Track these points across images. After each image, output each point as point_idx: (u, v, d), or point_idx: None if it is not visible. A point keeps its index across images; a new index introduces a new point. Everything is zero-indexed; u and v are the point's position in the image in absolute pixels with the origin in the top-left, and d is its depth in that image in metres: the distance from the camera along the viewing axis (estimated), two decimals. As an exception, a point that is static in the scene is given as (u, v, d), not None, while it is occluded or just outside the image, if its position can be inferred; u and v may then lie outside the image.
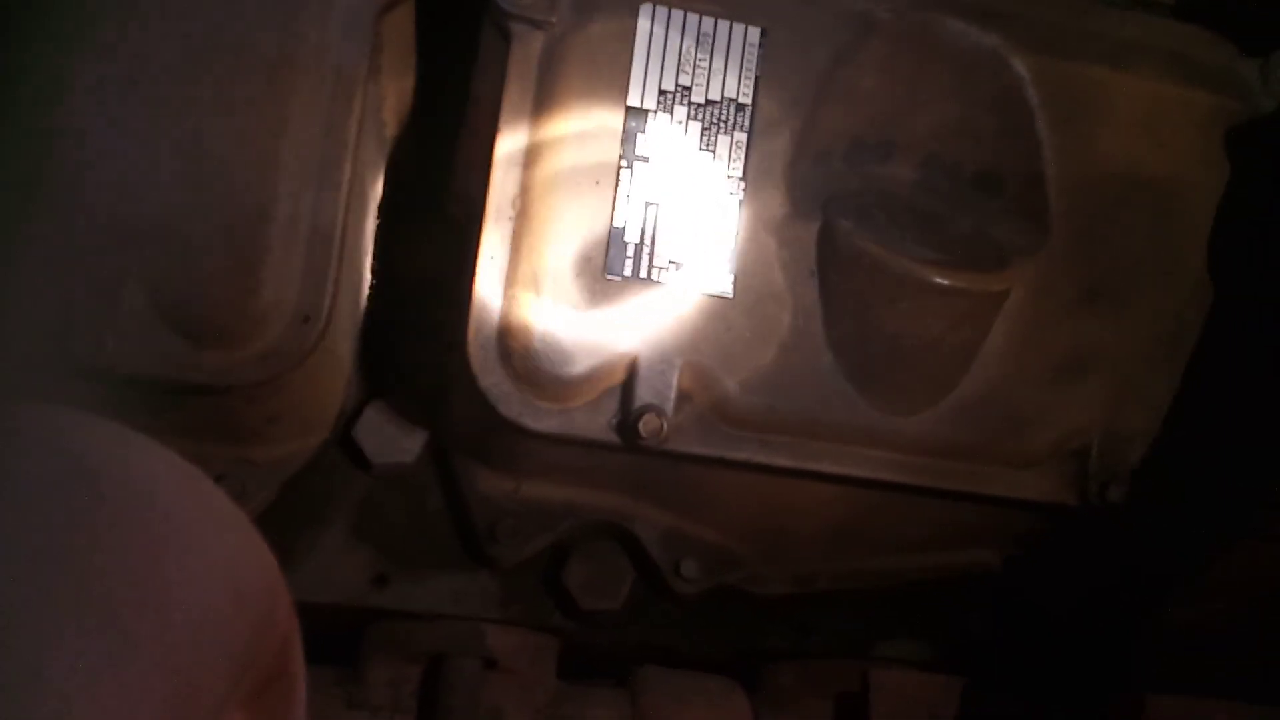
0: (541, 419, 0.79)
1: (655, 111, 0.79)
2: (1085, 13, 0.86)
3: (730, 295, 0.81)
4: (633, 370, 0.79)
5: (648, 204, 0.79)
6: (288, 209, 0.73)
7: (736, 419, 0.81)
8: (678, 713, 0.93)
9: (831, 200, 0.82)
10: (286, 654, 0.54)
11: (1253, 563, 0.88)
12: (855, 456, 0.84)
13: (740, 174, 0.81)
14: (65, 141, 0.70)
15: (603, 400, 0.80)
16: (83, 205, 0.71)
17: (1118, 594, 0.97)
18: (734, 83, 0.80)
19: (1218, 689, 0.91)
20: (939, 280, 0.80)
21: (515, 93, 0.77)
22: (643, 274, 0.79)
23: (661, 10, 0.79)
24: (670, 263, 0.80)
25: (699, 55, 0.80)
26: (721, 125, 0.80)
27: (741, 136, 0.81)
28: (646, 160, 0.79)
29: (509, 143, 0.77)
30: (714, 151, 0.80)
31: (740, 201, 0.81)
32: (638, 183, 0.79)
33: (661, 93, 0.80)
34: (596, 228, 0.79)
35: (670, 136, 0.80)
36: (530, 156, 0.77)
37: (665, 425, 0.79)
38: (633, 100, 0.79)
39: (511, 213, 0.77)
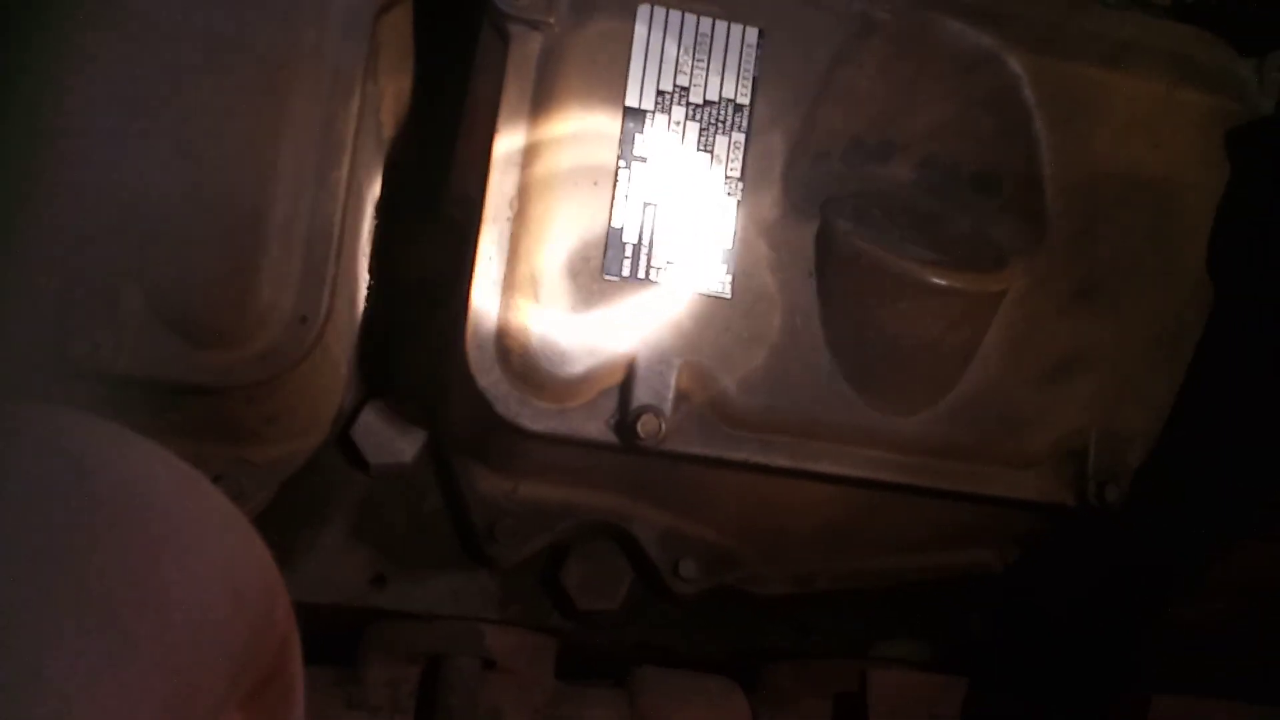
0: (540, 419, 0.79)
1: (653, 112, 0.79)
2: (1083, 13, 0.86)
3: (728, 296, 0.81)
4: (631, 370, 0.79)
5: (646, 204, 0.79)
6: (285, 209, 0.73)
7: (735, 419, 0.81)
8: (676, 713, 0.93)
9: (830, 201, 0.82)
10: (285, 654, 0.54)
11: (1253, 563, 0.88)
12: (854, 456, 0.84)
13: (738, 174, 0.81)
14: (63, 142, 0.71)
15: (601, 400, 0.80)
16: (80, 206, 0.71)
17: (1118, 594, 0.97)
18: (732, 83, 0.80)
19: (1218, 689, 0.91)
20: (937, 280, 0.80)
21: (513, 93, 0.77)
22: (641, 274, 0.79)
23: (660, 11, 0.79)
24: (668, 263, 0.80)
25: (697, 56, 0.80)
26: (720, 126, 0.81)
27: (740, 137, 0.81)
28: (644, 161, 0.79)
29: (507, 143, 0.77)
30: (712, 152, 0.80)
31: (738, 202, 0.81)
32: (636, 183, 0.79)
33: (659, 93, 0.80)
34: (594, 228, 0.79)
35: (668, 137, 0.80)
36: (528, 157, 0.77)
37: (663, 425, 0.79)
38: (631, 101, 0.79)
39: (509, 213, 0.77)
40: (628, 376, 0.79)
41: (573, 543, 0.93)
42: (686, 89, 0.80)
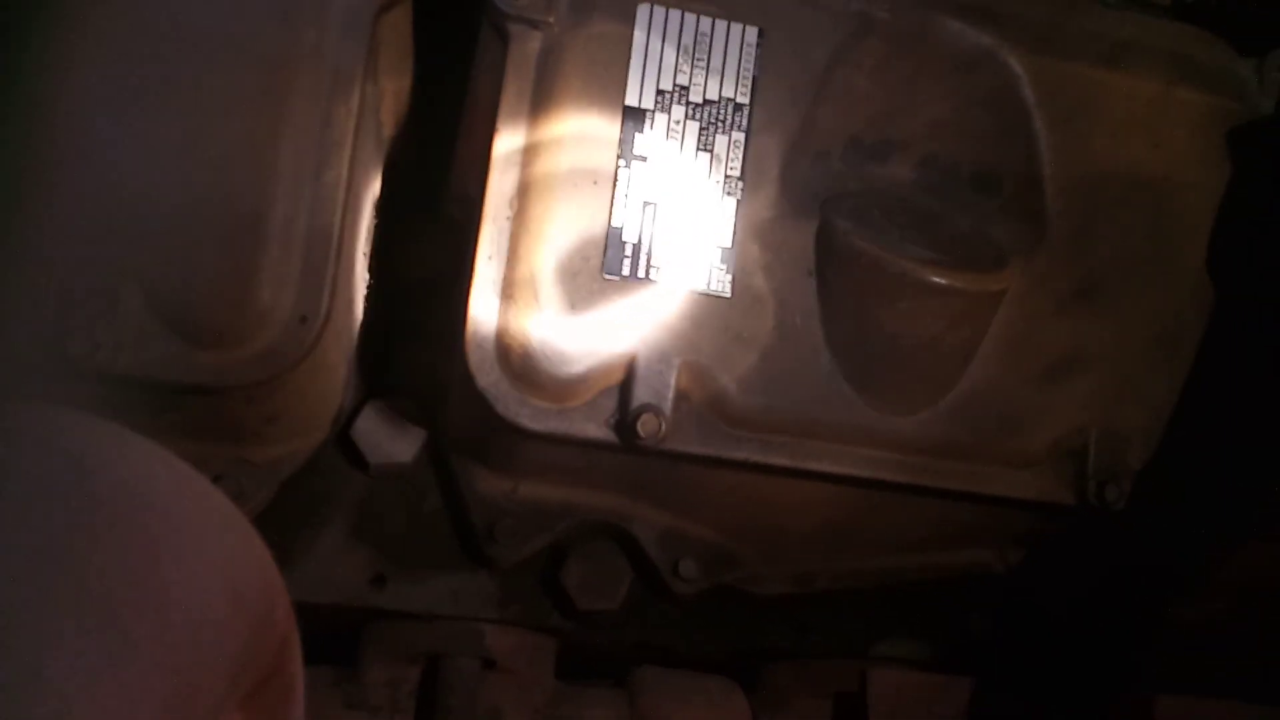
0: (539, 419, 0.79)
1: (653, 111, 0.79)
2: (1083, 13, 0.86)
3: (728, 295, 0.81)
4: (631, 370, 0.79)
5: (646, 204, 0.79)
6: (285, 209, 0.73)
7: (735, 418, 0.81)
8: (676, 713, 0.93)
9: (829, 200, 0.82)
10: (285, 654, 0.54)
11: (1254, 563, 0.88)
12: (853, 456, 0.84)
13: (738, 174, 0.81)
14: (63, 142, 0.71)
15: (601, 400, 0.80)
16: (80, 206, 0.71)
17: (1119, 594, 0.97)
18: (731, 83, 0.80)
19: (1219, 689, 0.91)
20: (937, 280, 0.80)
21: (513, 93, 0.77)
22: (640, 274, 0.79)
23: (659, 10, 0.79)
24: (668, 262, 0.80)
25: (696, 55, 0.80)
26: (719, 125, 0.80)
27: (739, 136, 0.81)
28: (644, 160, 0.79)
29: (507, 143, 0.77)
30: (712, 151, 0.80)
31: (738, 201, 0.81)
32: (636, 183, 0.79)
33: (659, 93, 0.80)
34: (594, 228, 0.78)
35: (668, 136, 0.80)
36: (528, 156, 0.77)
37: (663, 425, 0.79)
38: (630, 100, 0.79)
39: (509, 213, 0.77)
40: (627, 376, 0.79)
41: (573, 543, 0.93)
42: (686, 88, 0.80)
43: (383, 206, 0.87)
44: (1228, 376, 0.89)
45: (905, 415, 0.84)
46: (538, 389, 0.78)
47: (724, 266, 0.80)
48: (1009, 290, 0.84)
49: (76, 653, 0.41)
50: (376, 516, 0.93)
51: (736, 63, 0.80)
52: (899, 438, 0.84)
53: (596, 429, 0.80)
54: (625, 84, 0.79)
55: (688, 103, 0.80)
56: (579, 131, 0.78)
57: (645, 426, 0.78)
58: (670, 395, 0.79)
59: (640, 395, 0.79)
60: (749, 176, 0.81)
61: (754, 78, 0.81)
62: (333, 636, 0.87)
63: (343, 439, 0.91)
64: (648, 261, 0.79)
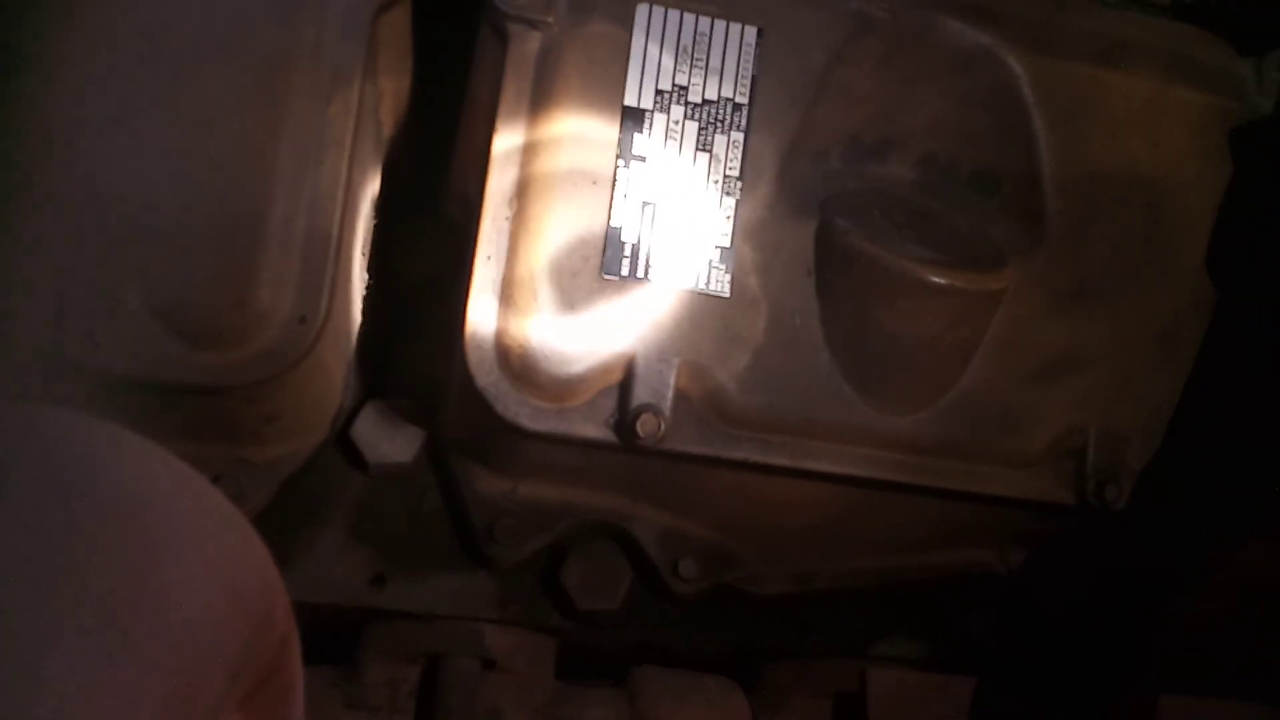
0: (539, 419, 0.79)
1: (652, 111, 0.79)
2: (1082, 12, 0.86)
3: (727, 295, 0.81)
4: (630, 370, 0.79)
5: (645, 204, 0.79)
6: (284, 209, 0.73)
7: (734, 418, 0.81)
8: (676, 712, 0.93)
9: (828, 200, 0.82)
10: (284, 654, 0.54)
11: (1255, 562, 0.88)
12: (853, 456, 0.84)
13: (737, 173, 0.81)
14: (62, 142, 0.70)
15: (600, 400, 0.80)
16: (79, 206, 0.71)
17: (1119, 594, 0.97)
18: (730, 82, 0.80)
19: (1220, 689, 0.91)
20: (936, 279, 0.80)
21: (512, 93, 0.77)
22: (640, 274, 0.79)
23: (658, 10, 0.79)
24: (667, 262, 0.80)
25: (695, 55, 0.80)
26: (718, 125, 0.80)
27: (738, 136, 0.81)
28: (644, 160, 0.79)
29: (506, 143, 0.77)
30: (711, 151, 0.80)
31: (737, 201, 0.81)
32: (635, 182, 0.79)
33: (658, 93, 0.80)
34: (593, 227, 0.78)
35: (667, 137, 0.80)
36: (527, 156, 0.77)
37: (663, 425, 0.79)
38: (629, 100, 0.79)
39: (508, 213, 0.77)
40: (627, 376, 0.79)
41: (572, 543, 0.93)
42: (685, 88, 0.80)
43: (382, 206, 0.87)
44: (1227, 376, 0.89)
45: (904, 415, 0.84)
46: (537, 389, 0.78)
47: (723, 266, 0.80)
48: (1008, 290, 0.84)
49: (75, 653, 0.41)
50: (376, 516, 0.93)
51: (735, 63, 0.80)
52: (898, 437, 0.84)
53: (596, 429, 0.80)
54: (624, 84, 0.79)
55: (686, 103, 0.80)
56: (578, 131, 0.78)
57: (644, 426, 0.78)
58: (669, 395, 0.79)
59: (639, 395, 0.79)
60: (748, 176, 0.81)
61: (753, 77, 0.81)
62: (332, 636, 0.87)
63: (342, 439, 0.91)
64: (647, 261, 0.79)
